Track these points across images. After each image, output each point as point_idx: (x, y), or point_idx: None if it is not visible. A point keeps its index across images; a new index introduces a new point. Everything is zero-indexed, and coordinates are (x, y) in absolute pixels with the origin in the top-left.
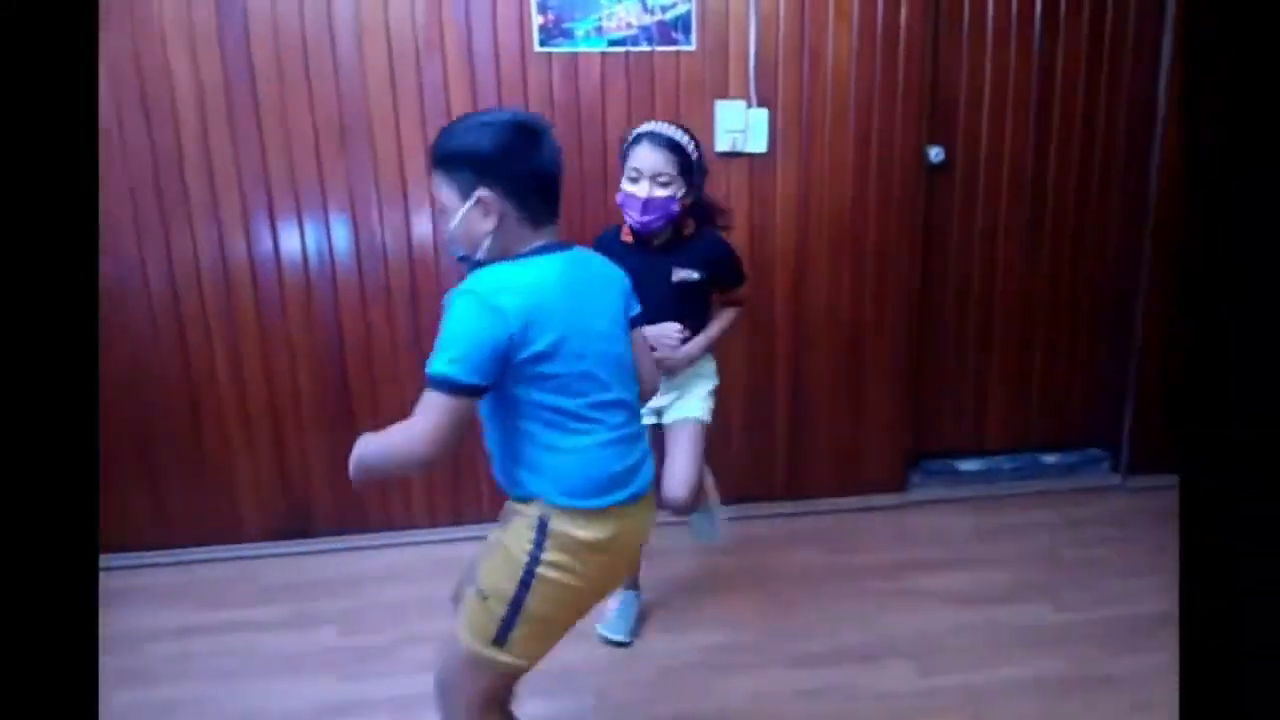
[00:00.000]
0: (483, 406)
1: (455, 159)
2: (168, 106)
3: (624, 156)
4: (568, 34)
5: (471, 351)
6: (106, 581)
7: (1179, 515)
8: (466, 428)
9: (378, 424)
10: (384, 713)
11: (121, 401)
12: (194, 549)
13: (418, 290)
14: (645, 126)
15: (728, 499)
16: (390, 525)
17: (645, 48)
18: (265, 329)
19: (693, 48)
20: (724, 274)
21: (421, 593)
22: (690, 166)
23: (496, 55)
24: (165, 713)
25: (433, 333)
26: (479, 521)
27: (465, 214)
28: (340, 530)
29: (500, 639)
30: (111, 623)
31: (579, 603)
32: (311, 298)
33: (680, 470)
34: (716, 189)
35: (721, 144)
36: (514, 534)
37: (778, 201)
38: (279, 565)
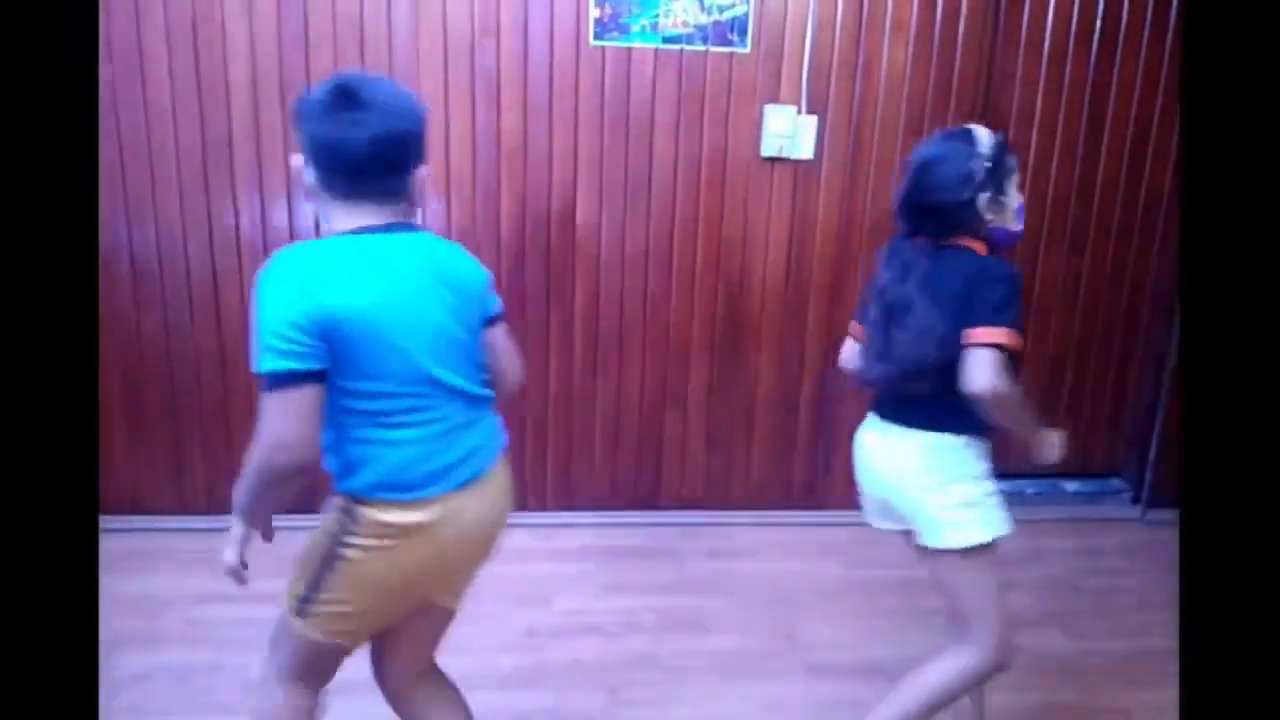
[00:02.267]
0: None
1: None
2: (221, 77)
3: (999, 162)
4: (624, 28)
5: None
6: (126, 544)
7: (1179, 534)
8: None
9: None
10: None
11: (151, 366)
12: (214, 516)
13: None
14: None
15: (747, 505)
16: None
17: (700, 47)
18: None
19: (747, 50)
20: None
21: None
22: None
23: (551, 46)
24: (179, 678)
25: None
26: None
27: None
28: None
29: (300, 611)
30: (130, 586)
31: (390, 587)
32: None
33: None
34: (760, 192)
35: (768, 148)
36: (328, 516)
37: (820, 209)
38: (297, 537)
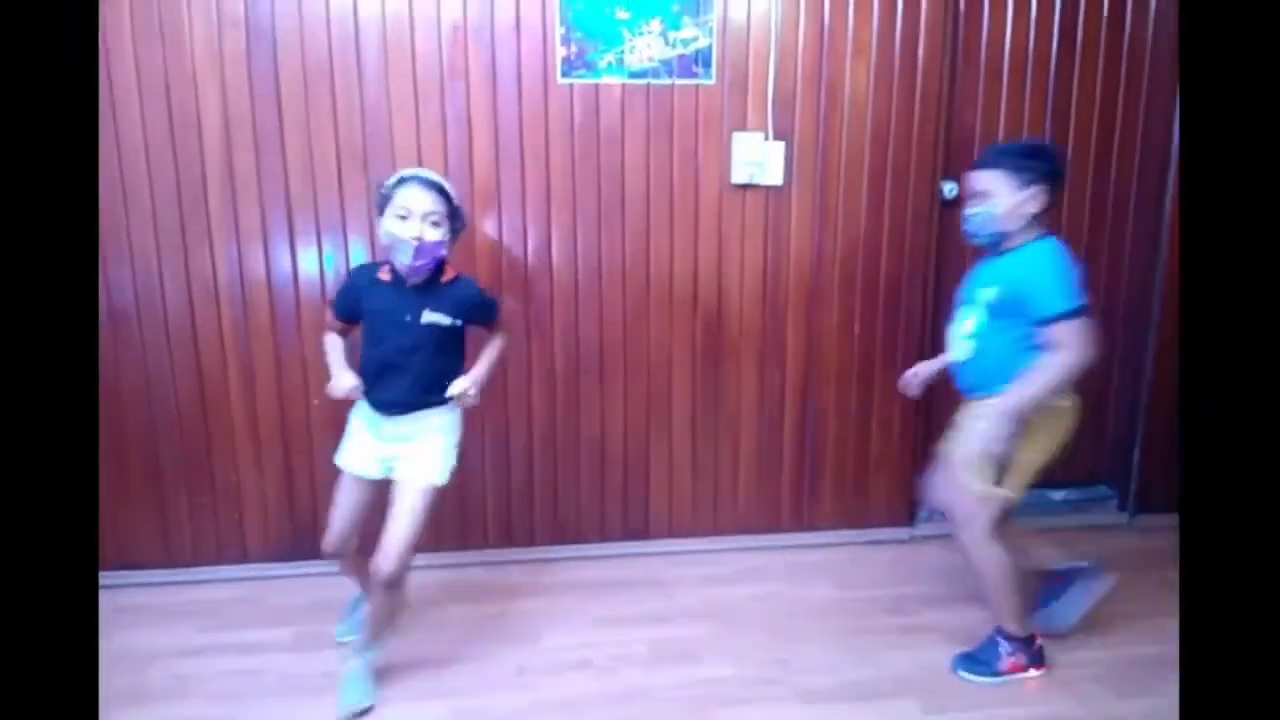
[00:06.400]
0: (1003, 328)
1: (1023, 159)
2: (194, 126)
3: (385, 199)
4: (590, 65)
5: (1076, 281)
6: (111, 599)
7: (1179, 540)
8: None
9: None
10: None
11: (132, 418)
12: (199, 568)
13: None
14: (409, 171)
15: (735, 530)
16: None
17: (666, 80)
18: (280, 349)
19: (712, 81)
20: (477, 315)
21: (426, 617)
22: (455, 212)
23: (520, 85)
24: None
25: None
26: (483, 547)
27: (1021, 199)
28: None
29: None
30: (115, 642)
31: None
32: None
33: (393, 541)
34: (733, 220)
35: (738, 176)
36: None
37: (792, 234)
38: (284, 587)
